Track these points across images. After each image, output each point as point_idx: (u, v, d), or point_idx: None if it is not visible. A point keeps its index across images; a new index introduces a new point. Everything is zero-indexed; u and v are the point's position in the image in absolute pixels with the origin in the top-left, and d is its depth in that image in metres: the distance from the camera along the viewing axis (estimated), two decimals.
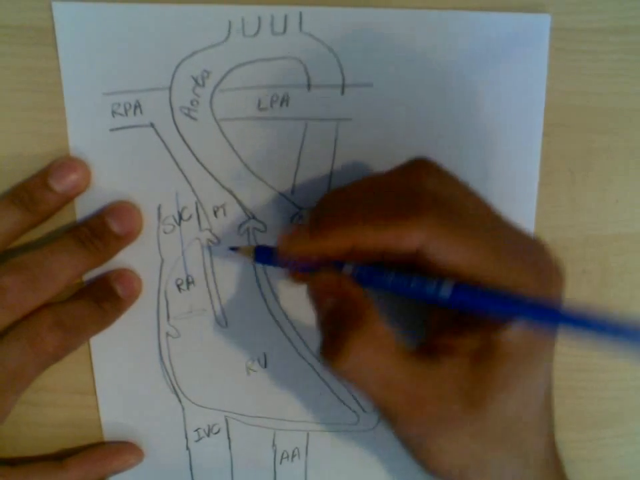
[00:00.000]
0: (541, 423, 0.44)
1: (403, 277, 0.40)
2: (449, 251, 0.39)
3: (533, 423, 0.43)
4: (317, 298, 0.42)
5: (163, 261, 0.51)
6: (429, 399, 0.39)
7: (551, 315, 0.38)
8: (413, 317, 0.53)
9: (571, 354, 0.58)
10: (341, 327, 0.39)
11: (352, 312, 0.39)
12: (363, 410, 0.56)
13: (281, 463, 0.57)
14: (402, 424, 0.41)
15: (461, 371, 0.40)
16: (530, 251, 0.42)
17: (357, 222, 0.39)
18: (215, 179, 0.50)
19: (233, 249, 0.50)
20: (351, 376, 0.39)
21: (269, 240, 0.52)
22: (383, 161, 0.51)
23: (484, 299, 0.39)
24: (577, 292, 0.57)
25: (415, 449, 0.43)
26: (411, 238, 0.38)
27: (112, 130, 0.47)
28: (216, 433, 0.56)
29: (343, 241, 0.40)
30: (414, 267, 0.40)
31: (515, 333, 0.39)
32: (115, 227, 0.47)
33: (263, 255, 0.46)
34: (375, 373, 0.39)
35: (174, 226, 0.50)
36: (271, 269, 0.52)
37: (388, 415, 0.41)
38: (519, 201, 0.54)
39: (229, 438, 0.56)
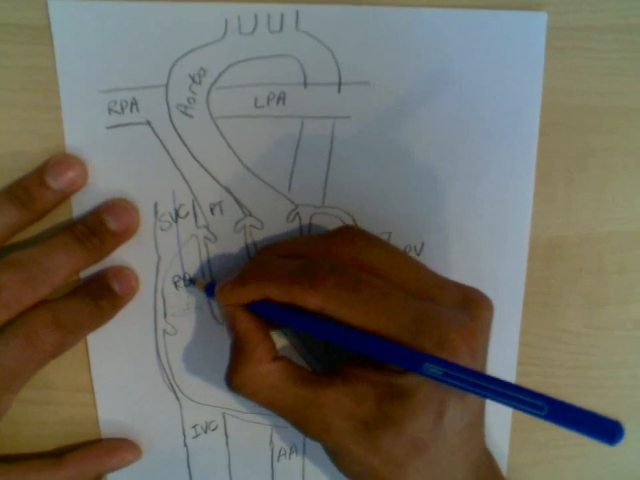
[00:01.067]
0: (452, 456, 0.47)
1: (299, 316, 0.46)
2: (342, 313, 0.43)
3: (441, 455, 0.46)
4: (226, 327, 0.49)
5: (159, 258, 0.51)
6: (317, 418, 0.46)
7: (418, 365, 0.41)
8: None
9: (565, 350, 0.59)
10: (234, 359, 0.47)
11: (239, 348, 0.47)
12: None
13: (278, 459, 0.58)
14: (301, 432, 0.47)
15: (355, 395, 0.45)
16: (453, 296, 0.47)
17: (267, 281, 0.45)
18: (212, 177, 0.50)
19: (192, 281, 0.53)
20: (244, 396, 0.47)
21: (265, 236, 0.52)
22: (379, 159, 0.51)
23: (361, 342, 0.43)
24: (573, 290, 0.58)
25: (327, 452, 0.49)
26: (309, 300, 0.44)
27: (108, 127, 0.47)
28: (213, 430, 0.56)
29: (255, 295, 0.46)
30: None
31: (412, 376, 0.44)
32: (112, 224, 0.47)
33: (211, 290, 0.50)
34: (264, 401, 0.47)
35: (170, 223, 0.50)
36: None
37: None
38: (516, 200, 0.54)
39: (226, 434, 0.56)
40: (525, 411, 0.37)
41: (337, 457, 0.48)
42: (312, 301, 0.43)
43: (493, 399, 0.38)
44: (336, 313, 0.43)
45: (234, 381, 0.47)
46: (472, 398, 0.46)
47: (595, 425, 0.34)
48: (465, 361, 0.42)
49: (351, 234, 0.48)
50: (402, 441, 0.44)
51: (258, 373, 0.46)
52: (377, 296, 0.43)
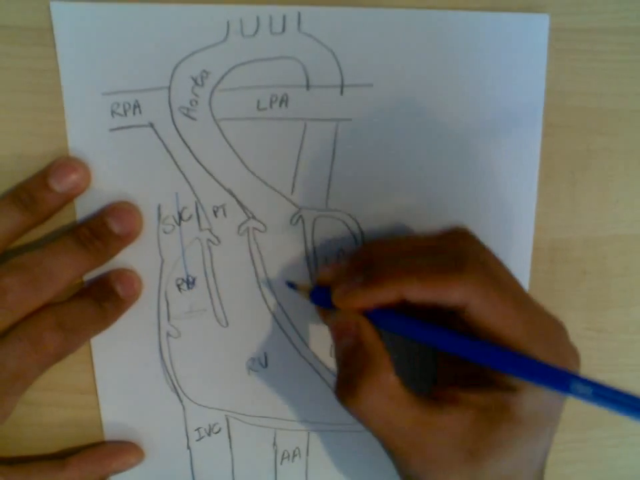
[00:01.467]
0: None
1: (419, 324, 0.43)
2: (488, 311, 0.41)
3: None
4: (335, 335, 0.45)
5: (163, 261, 0.51)
6: (428, 445, 0.42)
7: (565, 384, 0.39)
8: (425, 364, 0.55)
9: None
10: (354, 370, 0.42)
11: (365, 357, 0.42)
12: None
13: (281, 462, 0.58)
14: (401, 463, 0.43)
15: (465, 422, 0.42)
16: (552, 329, 0.45)
17: (405, 275, 0.42)
18: (215, 179, 0.50)
19: (291, 285, 0.51)
20: (360, 416, 0.42)
21: (267, 239, 0.52)
22: (382, 161, 0.51)
23: (505, 359, 0.41)
24: (576, 293, 0.58)
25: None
26: (455, 293, 0.41)
27: (111, 130, 0.47)
28: (217, 433, 0.56)
29: (392, 294, 0.42)
30: (454, 322, 0.43)
31: (526, 399, 0.42)
32: (115, 227, 0.48)
33: (319, 296, 0.48)
34: (381, 417, 0.42)
35: (174, 226, 0.50)
36: (270, 267, 0.52)
37: (390, 452, 0.44)
38: (519, 202, 0.54)
39: (229, 437, 0.56)
40: None
41: None
42: (457, 296, 0.41)
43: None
44: (477, 309, 0.41)
45: (354, 393, 0.42)
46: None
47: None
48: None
49: (467, 235, 0.47)
50: (500, 469, 0.43)
51: (384, 384, 0.42)
52: (518, 299, 0.43)
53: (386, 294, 0.42)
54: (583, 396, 0.38)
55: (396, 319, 0.43)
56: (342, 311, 0.44)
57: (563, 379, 0.39)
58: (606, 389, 0.38)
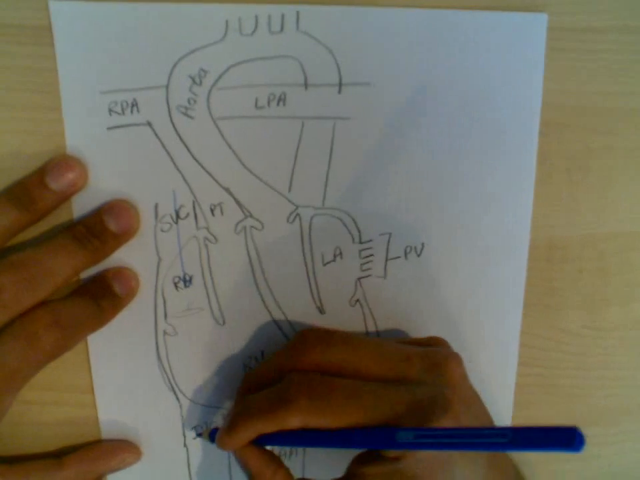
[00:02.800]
0: None
1: (294, 436, 0.47)
2: (322, 423, 0.45)
3: None
4: (238, 463, 0.50)
5: (160, 259, 0.51)
6: None
7: (391, 439, 0.43)
8: None
9: (565, 351, 0.59)
10: None
11: (251, 474, 0.49)
12: None
13: None
14: None
15: None
16: (417, 368, 0.48)
17: (253, 420, 0.47)
18: (212, 178, 0.50)
19: (200, 435, 0.57)
20: None
21: (264, 238, 0.52)
22: (379, 160, 0.51)
23: (360, 441, 0.45)
24: (574, 291, 0.58)
25: None
26: (292, 422, 0.45)
27: (109, 128, 0.47)
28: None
29: (249, 434, 0.47)
30: None
31: (408, 463, 0.45)
32: (112, 225, 0.47)
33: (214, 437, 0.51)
34: None
35: (171, 224, 0.50)
36: (267, 265, 0.53)
37: None
38: (516, 201, 0.54)
39: None
40: (492, 447, 0.38)
41: None
42: (294, 422, 0.45)
43: (461, 448, 0.39)
44: (318, 425, 0.45)
45: None
46: (474, 455, 0.47)
47: (557, 438, 0.35)
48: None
49: (307, 341, 0.50)
50: None
51: None
52: (347, 398, 0.45)
53: (244, 434, 0.47)
54: (407, 442, 0.41)
55: (276, 438, 0.47)
56: (225, 448, 0.49)
57: (388, 435, 0.43)
58: (425, 431, 0.41)
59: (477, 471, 0.47)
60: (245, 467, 0.49)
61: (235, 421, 0.48)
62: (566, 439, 0.34)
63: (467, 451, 0.39)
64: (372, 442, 0.44)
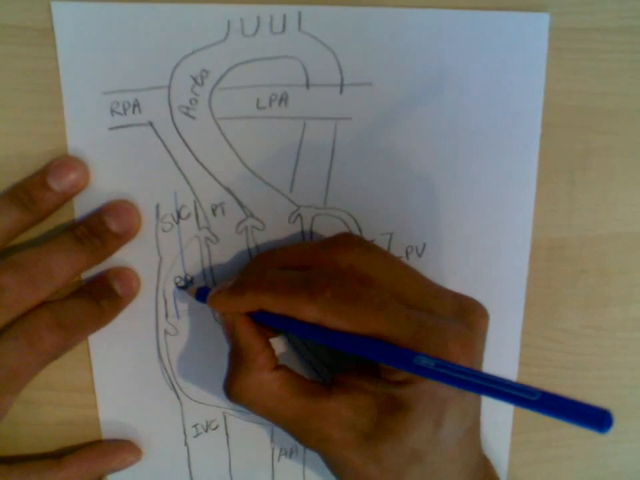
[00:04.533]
0: (450, 464, 0.47)
1: (298, 324, 0.45)
2: (339, 324, 0.43)
3: (440, 463, 0.47)
4: (224, 334, 0.49)
5: (161, 259, 0.51)
6: (316, 429, 0.46)
7: (409, 360, 0.41)
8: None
9: (565, 351, 0.59)
10: (233, 368, 0.47)
11: (239, 356, 0.47)
12: None
13: (279, 459, 0.58)
14: (300, 443, 0.48)
15: (356, 407, 0.46)
16: (448, 304, 0.47)
17: (262, 289, 0.45)
18: (214, 178, 0.50)
19: (181, 287, 0.53)
20: (246, 408, 0.47)
21: (266, 238, 0.52)
22: (381, 160, 0.51)
23: (357, 344, 0.43)
24: (574, 291, 0.58)
25: (325, 462, 0.49)
26: (305, 312, 0.44)
27: (111, 129, 0.47)
28: (214, 429, 0.56)
29: (251, 304, 0.46)
30: None
31: (411, 391, 0.44)
32: (113, 225, 0.47)
33: (202, 294, 0.50)
34: (263, 410, 0.47)
35: (172, 224, 0.50)
36: None
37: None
38: (517, 201, 0.55)
39: (227, 434, 0.56)
40: (517, 401, 0.37)
41: (335, 467, 0.48)
42: (309, 313, 0.43)
43: (485, 393, 0.37)
44: (333, 324, 0.43)
45: (233, 389, 0.47)
46: (469, 405, 0.46)
47: (585, 414, 0.34)
48: None
49: (349, 242, 0.48)
50: (401, 451, 0.45)
51: (258, 381, 0.46)
52: (374, 307, 0.43)
53: (246, 302, 0.46)
54: (426, 367, 0.39)
55: (274, 317, 0.46)
56: (225, 313, 0.48)
57: (407, 355, 0.41)
58: (447, 364, 0.39)
59: (461, 431, 0.46)
60: (231, 335, 0.47)
61: (244, 285, 0.46)
62: (595, 417, 0.34)
63: (489, 396, 0.37)
64: (388, 356, 0.42)
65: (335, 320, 0.43)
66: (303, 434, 0.47)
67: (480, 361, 0.46)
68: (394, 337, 0.42)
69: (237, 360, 0.47)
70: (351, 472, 0.46)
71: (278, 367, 0.47)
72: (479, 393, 0.38)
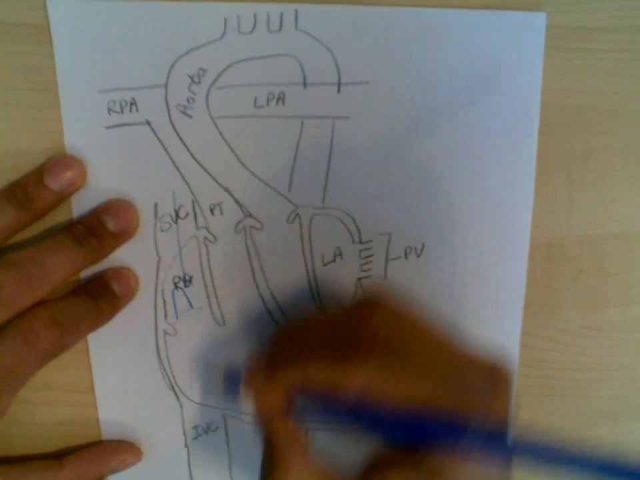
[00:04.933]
0: None
1: (340, 412, 0.43)
2: (389, 390, 0.41)
3: None
4: (257, 424, 0.45)
5: (159, 259, 0.51)
6: None
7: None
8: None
9: (564, 352, 0.59)
10: (268, 466, 0.43)
11: (277, 449, 0.43)
12: None
13: None
14: None
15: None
16: (476, 375, 0.45)
17: (303, 364, 0.43)
18: (212, 177, 0.50)
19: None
20: None
21: (264, 237, 0.52)
22: (379, 160, 0.51)
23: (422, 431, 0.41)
24: (573, 291, 0.58)
25: None
26: (352, 380, 0.41)
27: (108, 128, 0.47)
28: (214, 431, 0.56)
29: (292, 381, 0.43)
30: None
31: (449, 462, 0.41)
32: (111, 224, 0.48)
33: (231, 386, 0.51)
34: None
35: (170, 224, 0.50)
36: (267, 265, 0.53)
37: None
38: (516, 200, 0.54)
39: (227, 435, 0.56)
40: None
41: None
42: (356, 381, 0.41)
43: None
44: (379, 391, 0.41)
45: None
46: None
47: None
48: None
49: (379, 306, 0.46)
50: None
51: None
52: (418, 374, 0.42)
53: (288, 380, 0.43)
54: (477, 439, 0.39)
55: (311, 404, 0.44)
56: (258, 406, 0.44)
57: (459, 426, 0.40)
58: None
59: None
60: (272, 437, 0.43)
61: (280, 362, 0.44)
62: None
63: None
64: (435, 431, 0.40)
65: (382, 385, 0.41)
66: None
67: (508, 417, 0.45)
68: (442, 400, 0.41)
69: (271, 460, 0.43)
70: None
71: (315, 467, 0.44)
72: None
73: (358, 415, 0.42)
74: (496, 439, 0.39)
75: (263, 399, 0.44)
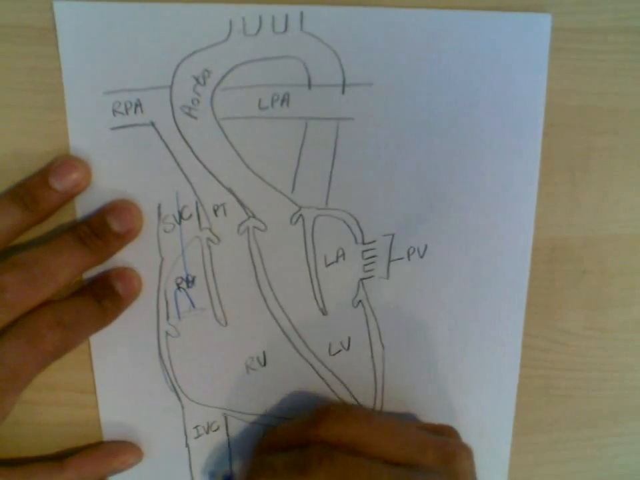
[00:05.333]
0: None
1: None
2: None
3: None
4: None
5: (162, 259, 0.51)
6: None
7: None
8: None
9: (567, 352, 0.59)
10: None
11: None
12: None
13: None
14: None
15: None
16: (432, 460, 0.49)
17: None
18: (215, 178, 0.50)
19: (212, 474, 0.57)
20: None
21: (267, 238, 0.52)
22: (383, 161, 0.51)
23: None
24: (576, 292, 0.58)
25: None
26: None
27: (113, 129, 0.47)
28: (215, 431, 0.56)
29: None
30: None
31: None
32: (115, 225, 0.47)
33: None
34: None
35: (174, 225, 0.50)
36: (270, 266, 0.53)
37: None
38: (519, 201, 0.54)
39: (228, 435, 0.56)
40: None
41: None
42: None
43: None
44: None
45: None
46: None
47: None
48: None
49: (331, 416, 0.49)
50: None
51: None
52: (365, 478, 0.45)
53: None
54: None
55: None
56: None
57: None
58: None
59: None
60: None
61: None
62: None
63: None
64: None
65: None
66: None
67: None
68: None
69: None
70: None
71: None
72: None
73: None
74: None
75: None
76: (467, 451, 0.50)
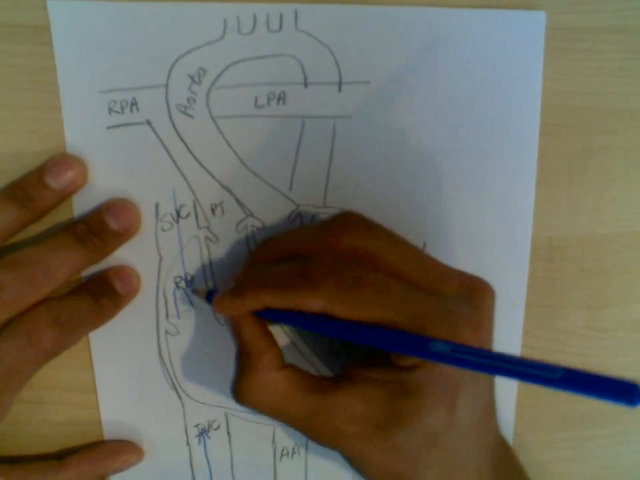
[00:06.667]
0: (467, 445, 0.47)
1: (301, 316, 0.44)
2: (345, 313, 0.42)
3: (456, 446, 0.46)
4: (231, 335, 0.48)
5: (161, 258, 0.51)
6: (329, 425, 0.45)
7: (424, 347, 0.40)
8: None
9: (566, 352, 0.59)
10: (239, 369, 0.47)
11: (245, 357, 0.47)
12: None
13: (280, 459, 0.58)
14: (314, 441, 0.47)
15: (366, 398, 0.45)
16: (450, 288, 0.46)
17: (265, 290, 0.44)
18: (213, 177, 0.50)
19: (194, 291, 0.53)
20: (255, 410, 0.47)
21: (265, 237, 0.52)
22: (380, 159, 0.51)
23: (366, 334, 0.43)
24: (575, 291, 0.57)
25: (343, 458, 0.48)
26: (310, 304, 0.43)
27: (108, 127, 0.47)
28: (216, 429, 0.56)
29: (254, 304, 0.45)
30: None
31: (420, 375, 0.44)
32: (113, 223, 0.48)
33: (210, 298, 0.49)
34: (272, 410, 0.46)
35: (172, 224, 0.50)
36: None
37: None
38: (517, 201, 0.54)
39: (228, 434, 0.56)
40: (539, 381, 0.36)
41: (354, 461, 0.47)
42: (313, 304, 0.42)
43: (505, 374, 0.36)
44: (339, 313, 0.42)
45: (240, 391, 0.46)
46: (482, 386, 0.46)
47: (612, 388, 0.33)
48: None
49: (349, 222, 0.47)
50: (416, 437, 0.44)
51: (265, 381, 0.45)
52: (377, 293, 0.42)
53: (249, 303, 0.45)
54: (442, 353, 0.39)
55: (280, 313, 0.45)
56: (231, 314, 0.47)
57: (421, 341, 0.40)
58: (465, 346, 0.38)
59: (476, 412, 0.46)
60: (237, 336, 0.46)
61: (244, 286, 0.45)
62: (624, 390, 0.33)
63: (511, 378, 0.37)
64: (402, 345, 0.41)
65: (340, 309, 0.42)
66: (315, 432, 0.46)
67: (490, 341, 0.46)
68: (401, 322, 0.42)
69: (243, 361, 0.46)
70: (369, 464, 0.46)
71: (285, 366, 0.46)
72: (499, 375, 0.37)
73: (322, 326, 0.44)
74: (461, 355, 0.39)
75: (227, 308, 0.46)
76: (491, 290, 0.47)
